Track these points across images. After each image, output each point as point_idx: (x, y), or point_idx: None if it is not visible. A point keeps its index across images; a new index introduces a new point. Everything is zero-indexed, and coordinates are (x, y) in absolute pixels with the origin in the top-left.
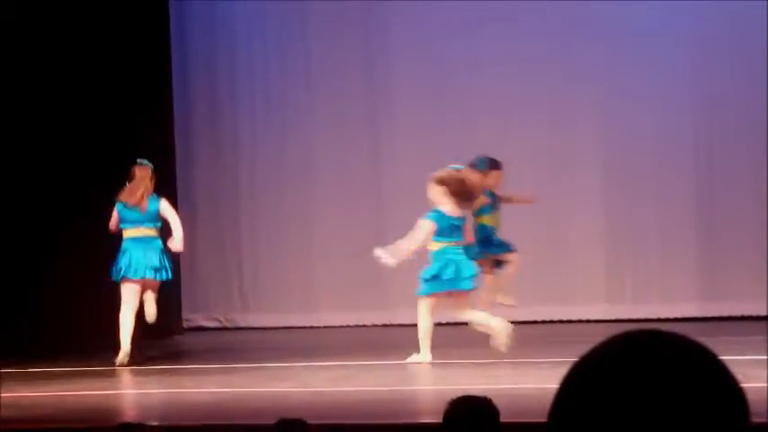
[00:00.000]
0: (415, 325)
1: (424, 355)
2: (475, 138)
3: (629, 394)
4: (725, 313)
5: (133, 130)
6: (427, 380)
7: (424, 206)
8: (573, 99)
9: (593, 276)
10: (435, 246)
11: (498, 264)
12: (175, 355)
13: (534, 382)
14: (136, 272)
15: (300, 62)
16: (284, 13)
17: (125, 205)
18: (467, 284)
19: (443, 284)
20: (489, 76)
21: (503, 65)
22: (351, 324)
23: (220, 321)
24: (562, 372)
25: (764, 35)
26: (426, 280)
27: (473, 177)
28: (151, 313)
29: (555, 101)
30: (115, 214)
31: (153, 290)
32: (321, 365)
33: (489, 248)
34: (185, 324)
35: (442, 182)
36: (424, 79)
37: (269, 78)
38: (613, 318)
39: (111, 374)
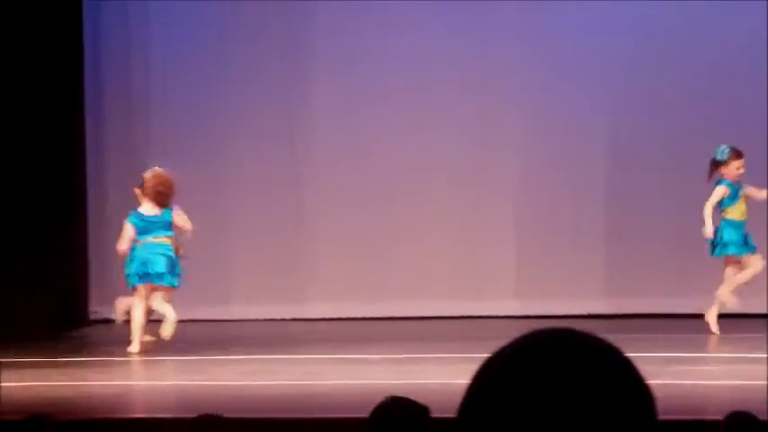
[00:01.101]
0: (326, 319)
1: (134, 345)
2: (393, 134)
3: (537, 392)
4: (632, 310)
5: (40, 121)
6: (342, 375)
7: (343, 193)
8: (489, 97)
9: (504, 272)
10: (138, 243)
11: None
12: (81, 348)
13: (442, 377)
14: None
15: (219, 53)
16: (198, 7)
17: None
18: (167, 280)
19: (147, 279)
20: (411, 76)
21: (423, 64)
22: (261, 318)
23: (128, 314)
24: (470, 368)
25: (670, 34)
26: (130, 275)
27: (167, 176)
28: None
29: (472, 99)
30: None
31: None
32: (230, 359)
33: (727, 248)
34: (92, 316)
35: (141, 183)
36: (344, 75)
37: (182, 68)
38: (523, 314)
39: (16, 366)
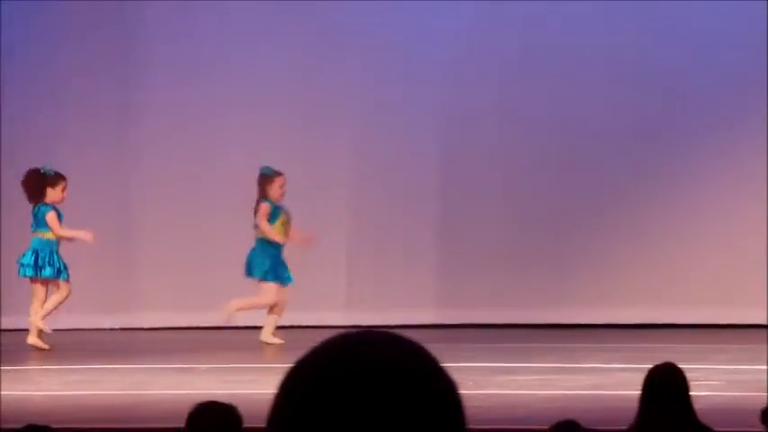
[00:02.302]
0: (153, 328)
1: None
2: (230, 137)
3: (339, 399)
4: (462, 320)
5: None
6: (168, 384)
7: (171, 202)
8: (320, 112)
9: (335, 283)
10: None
11: None
12: None
13: (271, 387)
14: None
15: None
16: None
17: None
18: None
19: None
20: (247, 90)
21: (257, 79)
22: (87, 327)
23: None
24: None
25: (506, 41)
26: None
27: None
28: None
29: (303, 114)
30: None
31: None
32: (55, 368)
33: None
34: None
35: None
36: (178, 87)
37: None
38: (354, 324)
39: None
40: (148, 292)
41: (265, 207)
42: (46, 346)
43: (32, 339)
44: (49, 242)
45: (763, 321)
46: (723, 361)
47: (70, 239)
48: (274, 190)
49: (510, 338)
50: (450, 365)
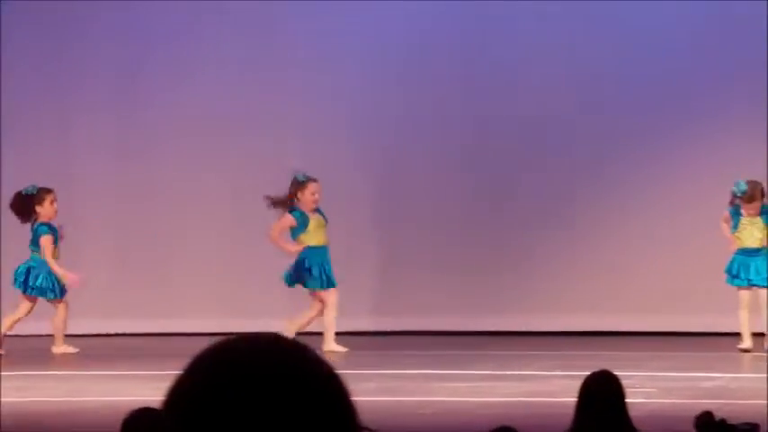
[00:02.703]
0: (90, 335)
1: None
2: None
3: (229, 401)
4: (401, 328)
5: None
6: (104, 391)
7: (109, 206)
8: (259, 120)
9: (276, 291)
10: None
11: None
12: None
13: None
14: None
15: None
16: None
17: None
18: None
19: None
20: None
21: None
22: (25, 334)
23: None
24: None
25: (439, 43)
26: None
27: None
28: None
29: (234, 126)
30: None
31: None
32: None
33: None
34: None
35: None
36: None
37: None
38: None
39: None
40: (87, 299)
41: (286, 220)
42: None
43: None
44: (43, 261)
45: (704, 329)
46: (659, 368)
47: (55, 272)
48: (306, 197)
49: (450, 346)
50: (390, 372)
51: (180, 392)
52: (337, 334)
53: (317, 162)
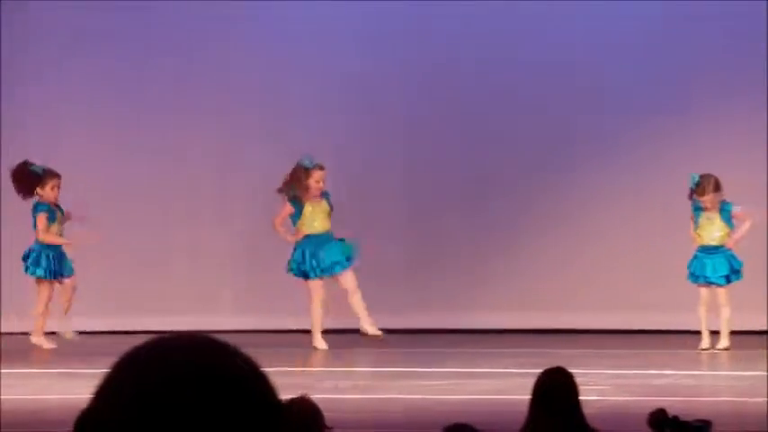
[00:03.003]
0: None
1: None
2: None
3: (154, 400)
4: (350, 326)
5: None
6: (68, 389)
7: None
8: (185, 112)
9: (221, 286)
10: None
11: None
12: None
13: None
14: None
15: None
16: None
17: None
18: None
19: None
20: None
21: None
22: None
23: None
24: None
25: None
26: None
27: None
28: None
29: (171, 119)
30: None
31: None
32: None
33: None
34: None
35: None
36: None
37: None
38: (237, 328)
39: None
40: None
41: (286, 210)
42: (51, 346)
43: (35, 339)
44: (45, 244)
45: (660, 327)
46: (613, 366)
47: (55, 244)
48: (310, 184)
49: (411, 344)
50: (351, 370)
51: (105, 392)
52: (304, 332)
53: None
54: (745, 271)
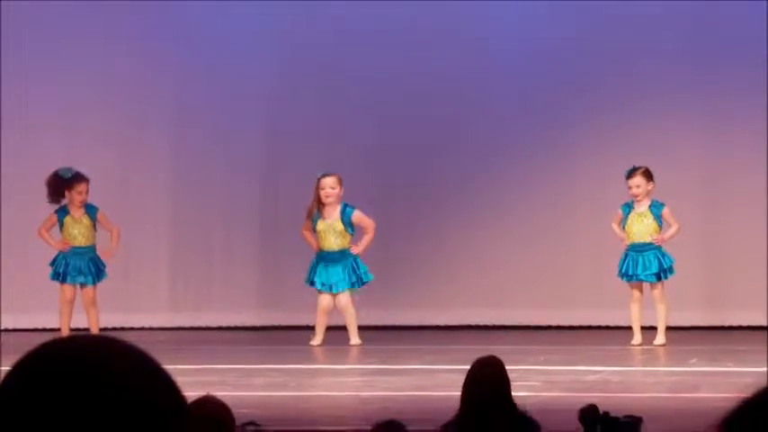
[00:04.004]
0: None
1: None
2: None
3: (52, 401)
4: (284, 322)
5: None
6: None
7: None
8: (143, 102)
9: (158, 285)
10: None
11: None
12: None
13: None
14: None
15: None
16: None
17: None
18: None
19: None
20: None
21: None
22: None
23: None
24: None
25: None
26: None
27: None
28: None
29: (125, 101)
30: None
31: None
32: None
33: None
34: None
35: None
36: None
37: None
38: (177, 325)
39: None
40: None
41: (307, 224)
42: None
43: None
44: (69, 250)
45: (590, 323)
46: (543, 362)
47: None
48: (320, 194)
49: (334, 341)
50: (273, 367)
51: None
52: (224, 329)
53: (203, 154)
54: (686, 266)
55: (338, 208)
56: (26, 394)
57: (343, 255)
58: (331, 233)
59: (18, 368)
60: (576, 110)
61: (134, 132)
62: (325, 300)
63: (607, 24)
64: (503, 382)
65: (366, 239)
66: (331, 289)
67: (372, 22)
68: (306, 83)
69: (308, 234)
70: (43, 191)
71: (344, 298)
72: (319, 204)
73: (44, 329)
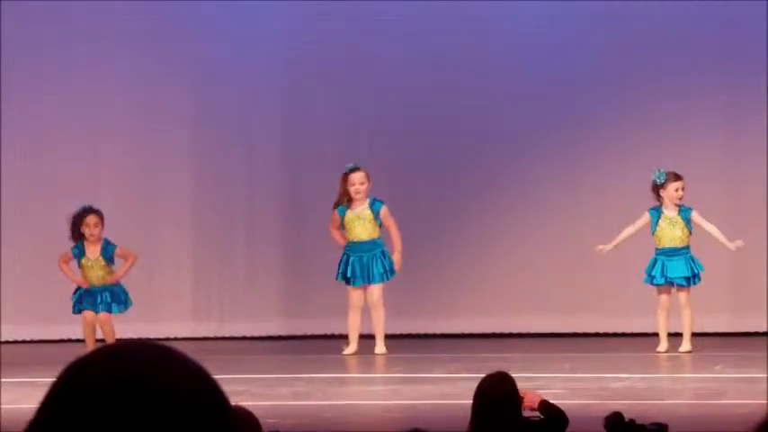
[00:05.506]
0: None
1: None
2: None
3: (112, 410)
4: (308, 332)
5: None
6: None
7: None
8: (161, 108)
9: (181, 293)
10: None
11: None
12: None
13: None
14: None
15: None
16: None
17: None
18: None
19: None
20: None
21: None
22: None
23: None
24: None
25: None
26: None
27: None
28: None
29: (143, 103)
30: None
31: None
32: None
33: None
34: None
35: None
36: None
37: None
38: (200, 336)
39: None
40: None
41: (334, 218)
42: None
43: None
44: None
45: (616, 330)
46: (569, 369)
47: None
48: (349, 189)
49: (359, 349)
50: (299, 376)
51: (48, 404)
52: (248, 339)
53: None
54: (712, 272)
55: (366, 202)
56: (80, 409)
57: (373, 245)
58: (359, 222)
59: (68, 382)
60: (595, 115)
61: (155, 138)
62: (355, 296)
63: (632, 25)
64: (511, 397)
65: (397, 248)
66: (365, 281)
67: (393, 21)
68: (323, 84)
69: (335, 231)
70: (51, 201)
71: (377, 291)
72: (348, 199)
73: (41, 341)
